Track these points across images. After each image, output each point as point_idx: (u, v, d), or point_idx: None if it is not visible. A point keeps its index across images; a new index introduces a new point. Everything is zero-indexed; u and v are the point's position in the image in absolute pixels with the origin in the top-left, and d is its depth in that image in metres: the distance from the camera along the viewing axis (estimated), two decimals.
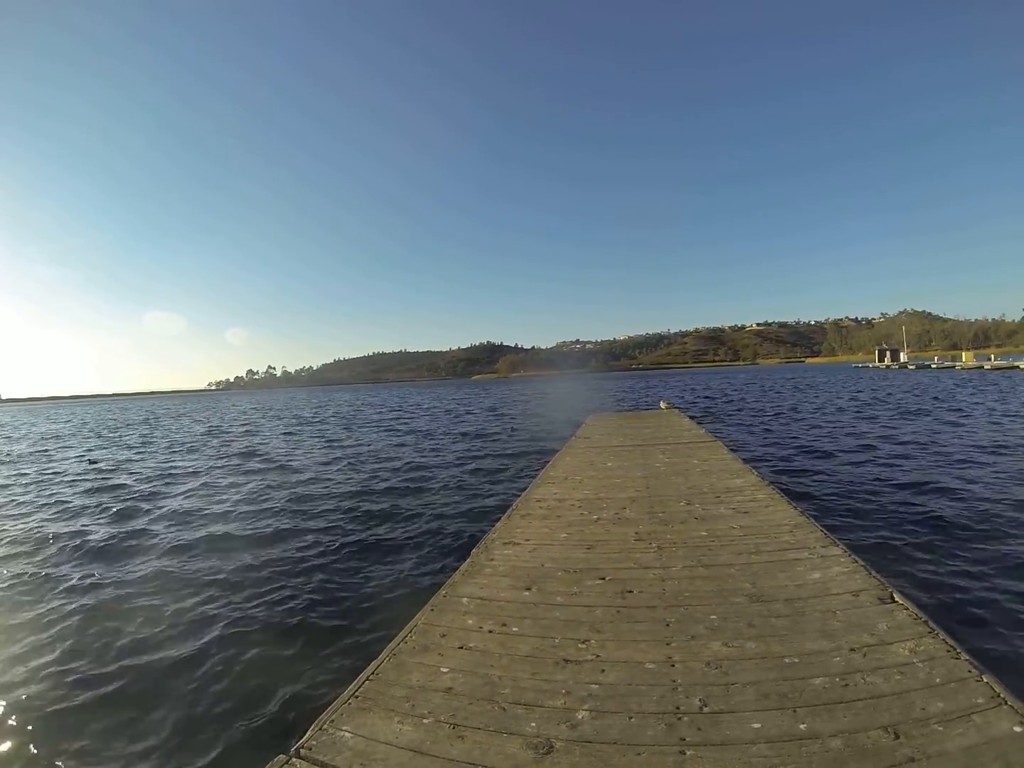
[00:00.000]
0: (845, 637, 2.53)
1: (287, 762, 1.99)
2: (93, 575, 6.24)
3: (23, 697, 3.88)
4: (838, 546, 3.71)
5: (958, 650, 2.31)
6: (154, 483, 12.29)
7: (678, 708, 2.16)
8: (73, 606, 5.36)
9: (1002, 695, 2.04)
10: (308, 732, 2.18)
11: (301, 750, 2.06)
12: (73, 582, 6.04)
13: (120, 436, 27.54)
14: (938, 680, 2.16)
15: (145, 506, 9.81)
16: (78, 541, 7.65)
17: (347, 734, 2.15)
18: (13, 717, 3.66)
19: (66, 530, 8.34)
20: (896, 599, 2.84)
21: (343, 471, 12.74)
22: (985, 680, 2.13)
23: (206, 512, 9.11)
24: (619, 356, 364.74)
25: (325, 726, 2.20)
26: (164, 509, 9.48)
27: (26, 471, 15.64)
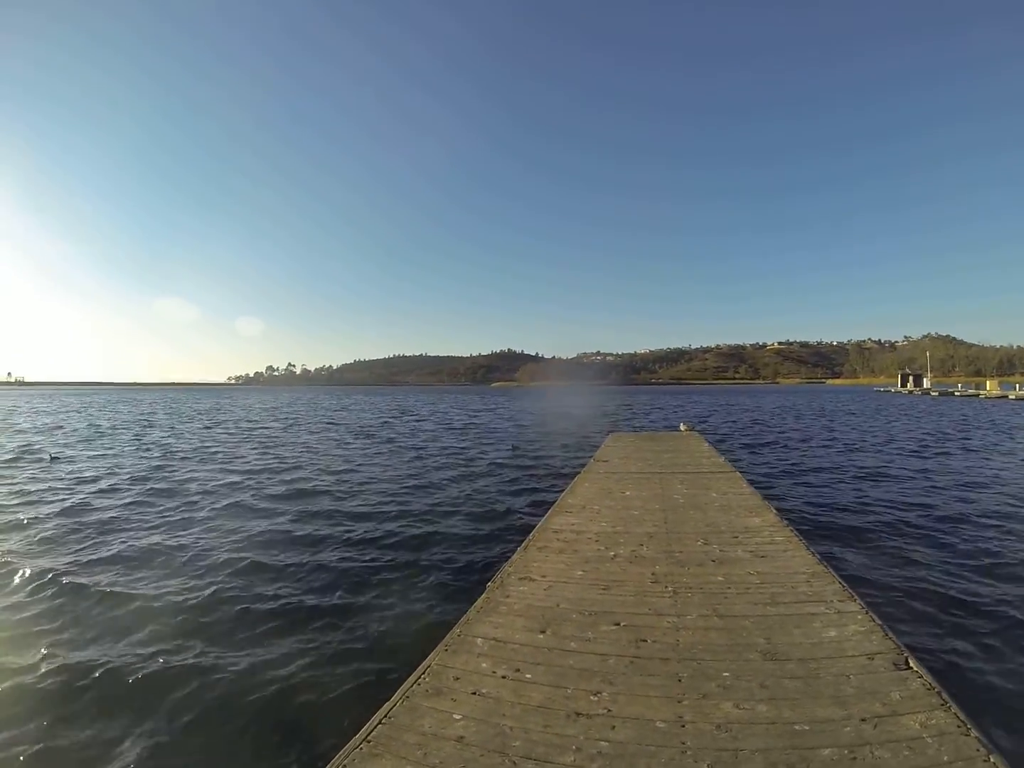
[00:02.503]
0: (857, 705, 2.53)
1: None
2: None
3: None
4: (856, 601, 3.70)
5: (968, 726, 2.31)
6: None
7: None
8: None
9: None
10: None
11: None
12: None
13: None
14: (946, 758, 2.15)
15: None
16: None
17: None
18: None
19: None
20: (911, 665, 2.83)
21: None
22: (992, 760, 2.13)
23: None
24: (639, 369, 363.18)
25: None
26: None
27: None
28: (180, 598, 5.98)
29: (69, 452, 18.67)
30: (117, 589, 6.19)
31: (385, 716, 2.64)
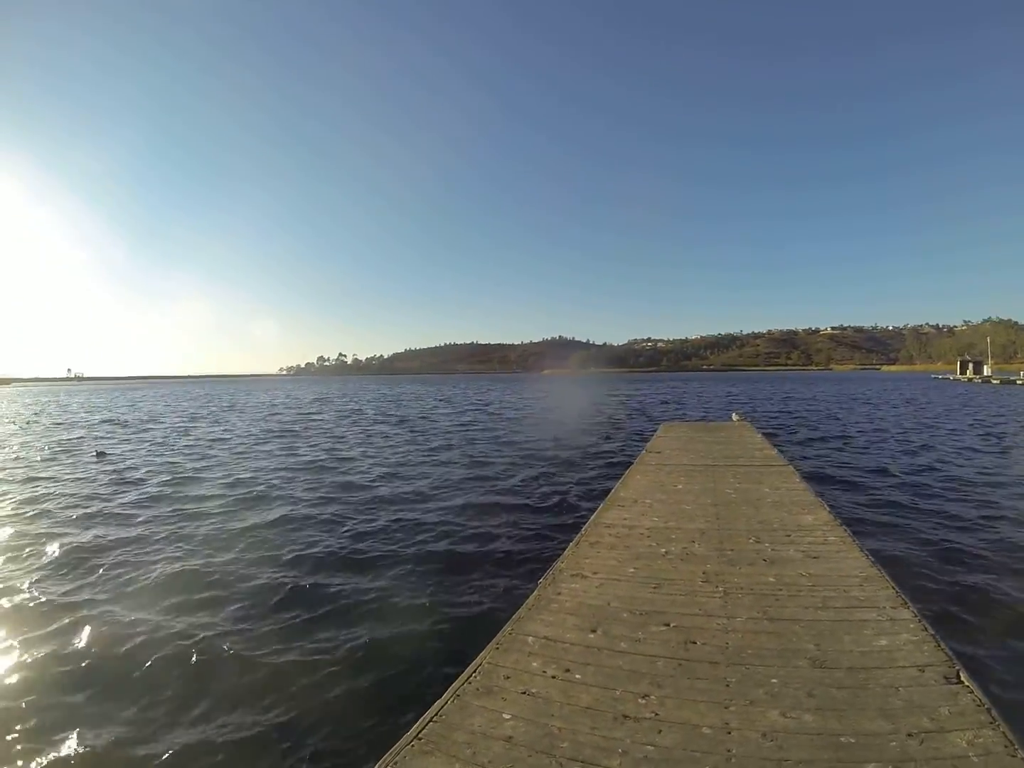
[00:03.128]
0: (905, 719, 2.54)
1: None
2: None
3: None
4: (909, 608, 3.66)
5: (1015, 747, 2.29)
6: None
7: None
8: None
9: None
10: None
11: None
12: None
13: None
14: None
15: None
16: None
17: None
18: None
19: None
20: (962, 679, 2.80)
21: None
22: None
23: None
24: (690, 356, 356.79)
25: None
26: None
27: None
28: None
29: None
30: None
31: (436, 714, 2.77)
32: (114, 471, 14.27)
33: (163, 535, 8.41)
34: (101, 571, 6.92)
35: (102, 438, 22.44)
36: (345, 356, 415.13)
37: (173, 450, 18.17)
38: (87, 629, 5.37)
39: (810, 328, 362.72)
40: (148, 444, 20.02)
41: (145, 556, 7.47)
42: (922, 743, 2.38)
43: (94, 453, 17.41)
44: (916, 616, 3.55)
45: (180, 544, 7.95)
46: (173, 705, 4.26)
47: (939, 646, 3.16)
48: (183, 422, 29.77)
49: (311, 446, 18.61)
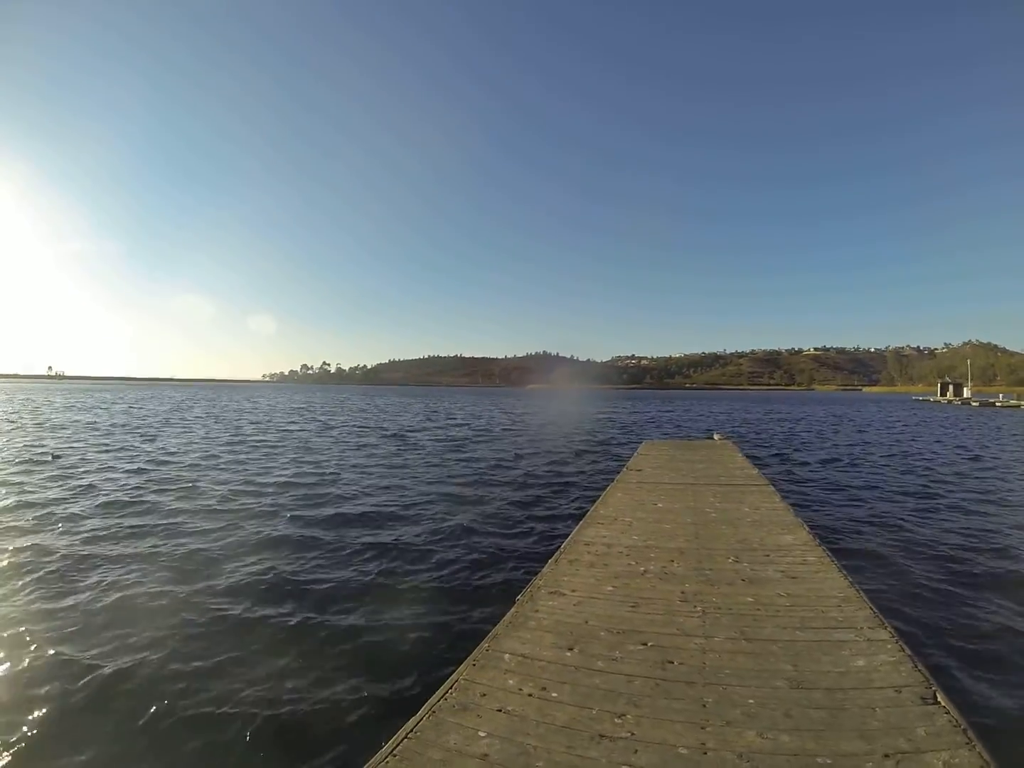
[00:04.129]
0: (882, 740, 2.53)
1: None
2: None
3: None
4: (886, 628, 3.66)
5: (991, 767, 2.29)
6: None
7: None
8: None
9: None
10: None
11: None
12: None
13: None
14: None
15: None
16: None
17: None
18: None
19: None
20: (939, 699, 2.80)
21: None
22: None
23: None
24: (674, 374, 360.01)
25: None
26: None
27: None
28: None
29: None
30: None
31: (411, 730, 2.72)
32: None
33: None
34: None
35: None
36: (328, 365, 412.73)
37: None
38: None
39: (793, 348, 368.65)
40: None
41: None
42: (899, 764, 2.37)
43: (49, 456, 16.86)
44: (894, 636, 3.55)
45: None
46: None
47: (916, 667, 3.16)
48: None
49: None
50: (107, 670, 4.66)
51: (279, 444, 21.91)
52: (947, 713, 2.69)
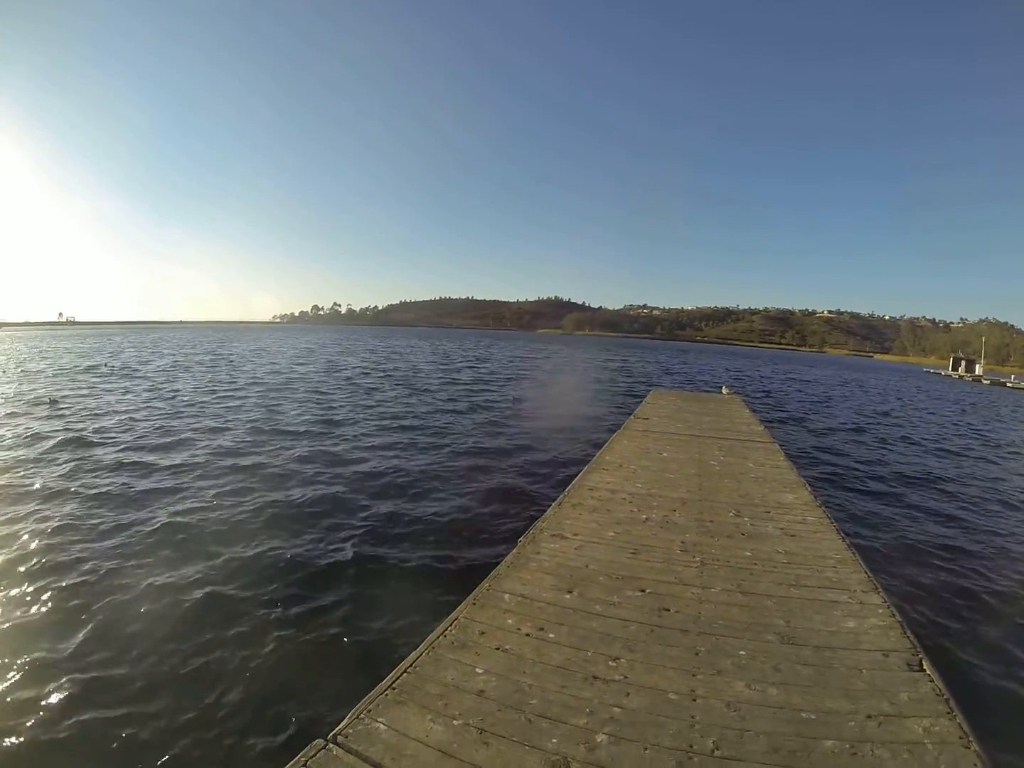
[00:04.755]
0: (865, 701, 2.61)
1: (324, 747, 2.25)
2: None
3: None
4: (879, 593, 3.73)
5: (970, 738, 2.36)
6: None
7: (691, 747, 2.32)
8: None
9: None
10: (346, 720, 2.42)
11: (338, 737, 2.32)
12: None
13: None
14: (942, 767, 2.23)
15: None
16: None
17: (381, 726, 2.39)
18: None
19: None
20: (924, 667, 2.88)
21: None
22: None
23: None
24: (684, 326, 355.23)
25: (362, 715, 2.45)
26: None
27: None
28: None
29: None
30: None
31: (411, 665, 2.83)
32: None
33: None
34: None
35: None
36: (339, 306, 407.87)
37: None
38: None
39: (806, 309, 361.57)
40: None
41: None
42: (880, 725, 2.45)
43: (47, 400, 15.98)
44: (885, 602, 3.62)
45: None
46: None
47: (904, 633, 3.23)
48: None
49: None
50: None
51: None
52: (931, 681, 2.77)
